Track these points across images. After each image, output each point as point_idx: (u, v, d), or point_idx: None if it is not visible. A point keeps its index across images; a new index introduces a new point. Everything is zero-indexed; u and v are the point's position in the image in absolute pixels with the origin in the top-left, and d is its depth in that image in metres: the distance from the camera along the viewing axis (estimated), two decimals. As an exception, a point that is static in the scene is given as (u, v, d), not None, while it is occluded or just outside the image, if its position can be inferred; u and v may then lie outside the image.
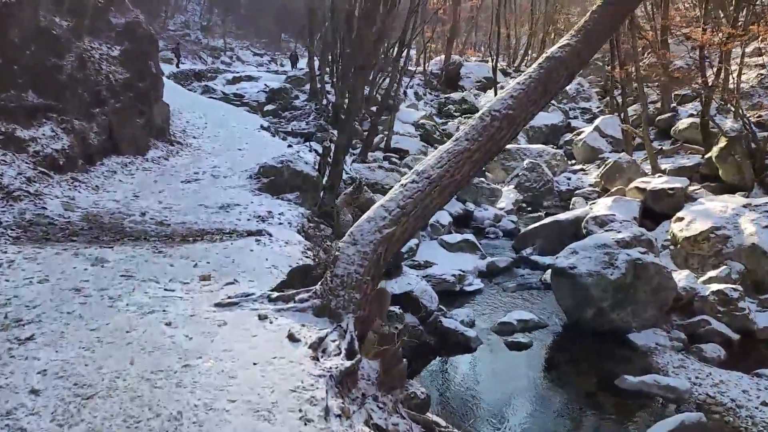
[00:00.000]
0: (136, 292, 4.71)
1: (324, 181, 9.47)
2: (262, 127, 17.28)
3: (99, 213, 7.14)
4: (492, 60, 33.33)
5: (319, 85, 26.54)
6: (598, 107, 28.29)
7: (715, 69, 16.07)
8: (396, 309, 9.52)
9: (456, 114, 32.47)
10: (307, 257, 6.08)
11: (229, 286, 5.05)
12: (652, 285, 9.99)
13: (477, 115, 5.82)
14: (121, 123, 10.63)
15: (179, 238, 6.58)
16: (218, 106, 21.10)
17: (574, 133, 23.68)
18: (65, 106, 9.14)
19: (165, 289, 4.80)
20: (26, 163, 7.51)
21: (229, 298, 4.66)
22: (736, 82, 15.55)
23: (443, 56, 41.04)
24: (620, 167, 16.58)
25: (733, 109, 15.39)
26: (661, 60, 18.69)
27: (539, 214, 17.40)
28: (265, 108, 26.39)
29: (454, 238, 13.91)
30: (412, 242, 12.89)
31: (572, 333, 10.31)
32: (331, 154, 9.78)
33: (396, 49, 23.65)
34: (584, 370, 9.33)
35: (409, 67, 37.14)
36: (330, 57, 25.13)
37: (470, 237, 13.95)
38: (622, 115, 19.32)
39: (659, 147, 18.10)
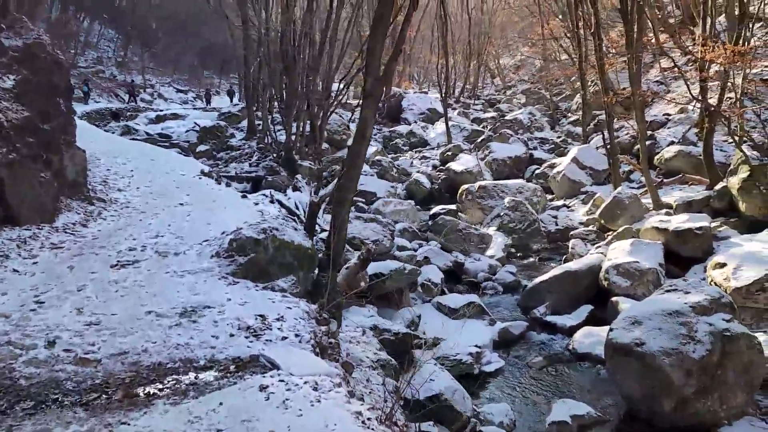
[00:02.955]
0: None
1: (321, 254, 6.76)
2: (202, 172, 14.29)
3: (-29, 350, 4.13)
4: (440, 92, 31.55)
5: (258, 123, 23.75)
6: (559, 137, 26.83)
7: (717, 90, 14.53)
8: (429, 427, 6.88)
9: (404, 148, 30.51)
10: (366, 426, 3.31)
11: None
12: (742, 362, 7.79)
13: None
14: (17, 180, 7.52)
15: (120, 393, 3.68)
16: (144, 149, 17.83)
17: (546, 165, 21.88)
18: (-75, 162, 6.01)
19: None
20: None
21: None
22: (738, 104, 13.98)
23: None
24: (621, 204, 14.66)
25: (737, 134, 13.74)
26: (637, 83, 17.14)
27: (532, 260, 15.20)
28: (198, 149, 23.31)
29: (456, 300, 11.39)
30: (415, 313, 10.34)
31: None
32: (318, 213, 7.10)
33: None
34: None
35: (348, 101, 35.14)
36: (273, 89, 22.37)
37: (475, 299, 11.47)
38: (608, 144, 17.50)
39: (659, 179, 16.40)
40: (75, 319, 4.74)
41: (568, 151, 23.80)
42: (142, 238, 7.42)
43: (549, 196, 19.44)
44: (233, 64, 54.09)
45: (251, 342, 4.51)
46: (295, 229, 6.74)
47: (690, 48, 15.56)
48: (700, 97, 14.39)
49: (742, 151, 12.57)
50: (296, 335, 4.72)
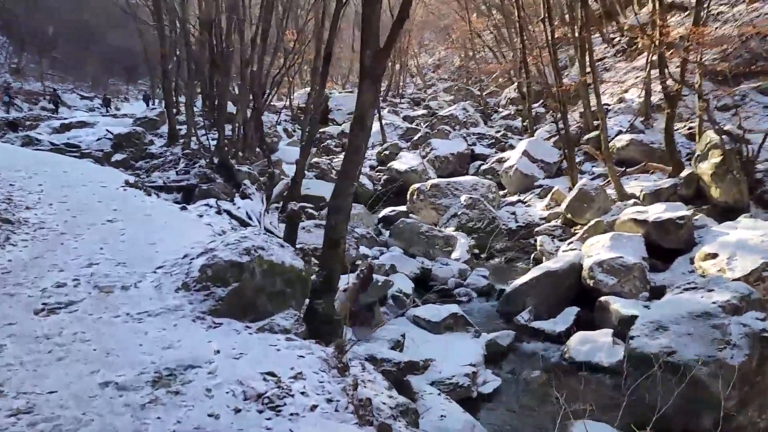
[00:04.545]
0: None
1: (314, 276, 5.27)
2: (127, 183, 12.39)
3: None
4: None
5: (180, 128, 21.69)
6: (497, 131, 26.27)
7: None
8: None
9: (337, 149, 29.28)
10: None
11: None
12: (779, 364, 7.04)
13: None
14: None
15: None
16: (52, 159, 15.50)
17: (494, 160, 21.14)
18: None
19: None
20: None
21: None
22: (698, 88, 13.63)
23: (308, 89, 37.63)
24: (587, 196, 13.98)
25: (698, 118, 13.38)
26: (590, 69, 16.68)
27: (497, 261, 14.26)
28: (113, 158, 20.95)
29: (435, 313, 10.14)
30: (398, 334, 9.00)
31: (690, 453, 7.00)
32: (299, 224, 5.59)
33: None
34: None
35: (272, 102, 33.43)
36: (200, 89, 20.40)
37: (456, 309, 10.28)
38: (564, 135, 16.86)
39: (623, 168, 15.89)
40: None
41: (509, 145, 23.29)
42: (72, 268, 5.68)
43: (502, 192, 18.67)
44: (142, 69, 50.84)
45: (270, 419, 3.05)
46: (282, 246, 5.27)
47: (645, 28, 15.16)
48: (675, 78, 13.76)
49: (720, 133, 12.11)
50: (328, 400, 3.30)
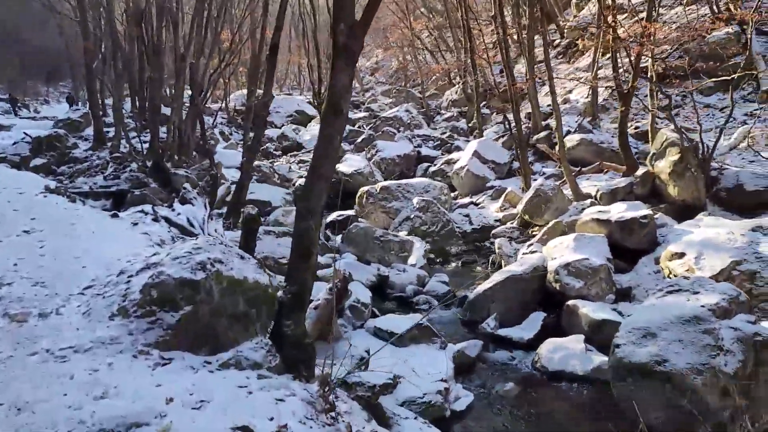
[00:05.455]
0: None
1: (281, 293, 4.39)
2: (48, 189, 11.01)
3: None
4: (313, 92, 29.47)
5: (107, 130, 20.14)
6: (443, 133, 25.86)
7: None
8: None
9: (277, 153, 28.28)
10: None
11: None
12: (771, 369, 6.67)
13: None
14: None
15: None
16: (-41, 165, 13.84)
17: (442, 161, 20.65)
18: None
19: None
20: None
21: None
22: (653, 85, 13.54)
23: (245, 91, 36.27)
24: (545, 197, 13.61)
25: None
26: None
27: (454, 265, 13.67)
28: (32, 163, 19.23)
29: (398, 324, 9.35)
30: (362, 349, 8.18)
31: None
32: (258, 231, 4.67)
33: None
34: None
35: (208, 105, 31.99)
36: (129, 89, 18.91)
37: (420, 319, 9.52)
38: (516, 135, 16.50)
39: (578, 168, 15.62)
40: None
41: (456, 146, 22.92)
42: (-25, 292, 4.59)
43: (454, 194, 18.18)
44: (64, 69, 48.00)
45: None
46: (242, 258, 4.35)
47: (590, 27, 15.04)
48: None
49: (679, 132, 11.95)
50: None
